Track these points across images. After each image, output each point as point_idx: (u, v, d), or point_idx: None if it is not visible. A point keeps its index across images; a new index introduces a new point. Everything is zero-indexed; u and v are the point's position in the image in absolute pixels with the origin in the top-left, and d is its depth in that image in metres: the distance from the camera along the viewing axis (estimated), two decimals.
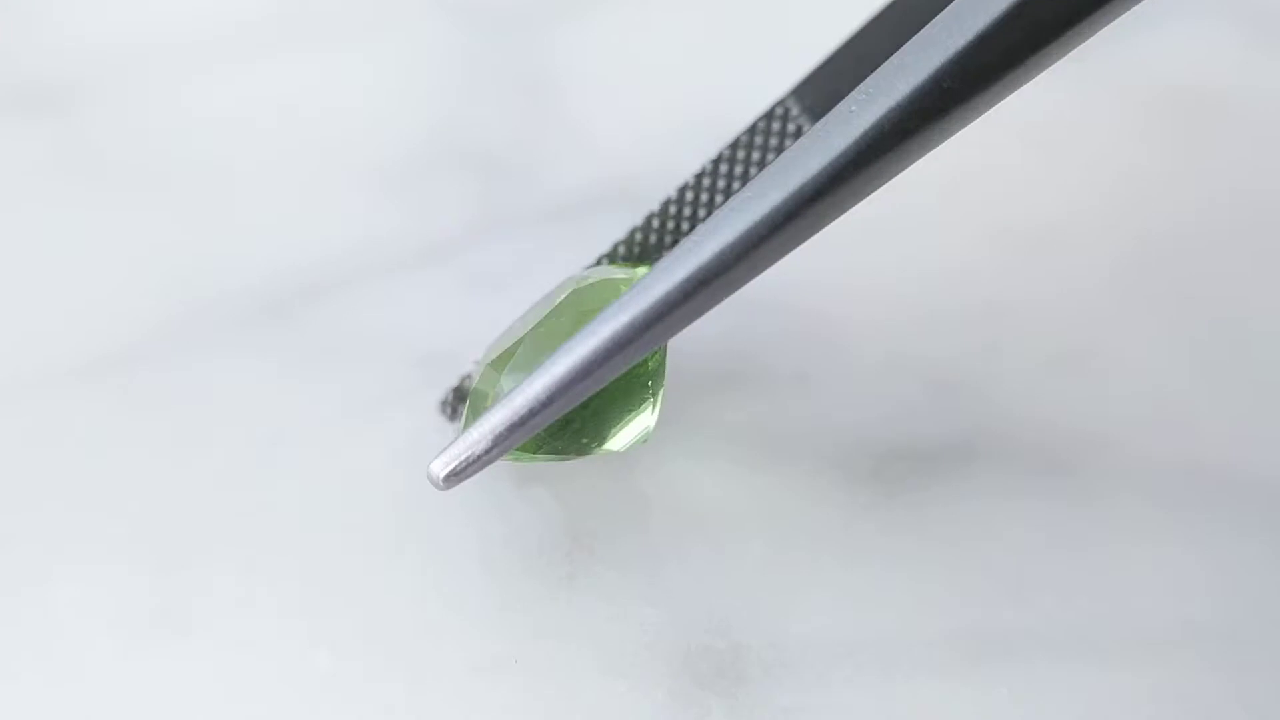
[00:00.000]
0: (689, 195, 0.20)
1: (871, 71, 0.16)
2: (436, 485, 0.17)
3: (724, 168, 0.20)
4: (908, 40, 0.16)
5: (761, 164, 0.20)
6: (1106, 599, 0.19)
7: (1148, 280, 0.22)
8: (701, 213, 0.20)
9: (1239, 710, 0.18)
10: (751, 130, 0.20)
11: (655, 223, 0.20)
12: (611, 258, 0.20)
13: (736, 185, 0.20)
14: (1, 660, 0.19)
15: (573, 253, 0.21)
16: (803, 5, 0.26)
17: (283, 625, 0.19)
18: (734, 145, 0.20)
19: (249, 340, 0.22)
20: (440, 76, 0.26)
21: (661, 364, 0.18)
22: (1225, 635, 0.19)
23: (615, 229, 0.20)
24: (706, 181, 0.20)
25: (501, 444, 0.17)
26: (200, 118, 0.25)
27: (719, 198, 0.20)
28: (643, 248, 0.20)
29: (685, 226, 0.20)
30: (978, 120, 0.25)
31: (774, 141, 0.20)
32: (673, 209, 0.20)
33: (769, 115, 0.20)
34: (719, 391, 0.19)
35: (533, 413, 0.17)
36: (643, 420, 0.18)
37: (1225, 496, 0.20)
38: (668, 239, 0.20)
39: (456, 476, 0.17)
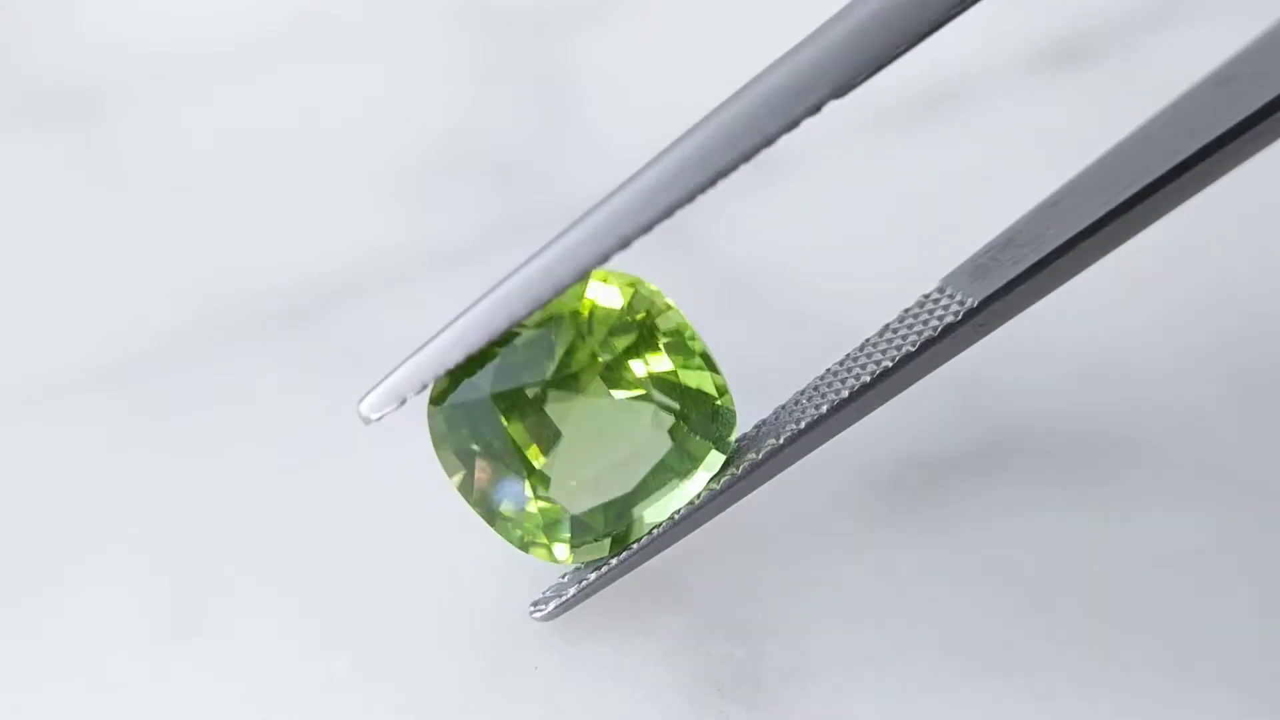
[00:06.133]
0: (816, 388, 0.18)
1: None
2: (365, 421, 0.17)
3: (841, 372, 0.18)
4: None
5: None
6: (1131, 606, 0.19)
7: (1173, 288, 0.22)
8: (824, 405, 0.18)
9: (1270, 715, 0.18)
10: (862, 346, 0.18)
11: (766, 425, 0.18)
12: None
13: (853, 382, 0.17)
14: (23, 661, 0.19)
15: None
16: (814, 9, 0.26)
17: (301, 628, 0.19)
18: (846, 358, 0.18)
19: (269, 346, 0.22)
20: (457, 85, 0.26)
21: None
22: (1254, 639, 0.19)
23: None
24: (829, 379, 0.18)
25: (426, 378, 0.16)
26: (221, 126, 0.25)
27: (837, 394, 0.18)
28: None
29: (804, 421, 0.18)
30: (1000, 126, 0.25)
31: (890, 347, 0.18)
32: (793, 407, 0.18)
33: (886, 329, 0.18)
34: (739, 399, 0.19)
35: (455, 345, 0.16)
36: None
37: (1252, 503, 0.20)
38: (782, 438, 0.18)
39: (378, 412, 0.16)
